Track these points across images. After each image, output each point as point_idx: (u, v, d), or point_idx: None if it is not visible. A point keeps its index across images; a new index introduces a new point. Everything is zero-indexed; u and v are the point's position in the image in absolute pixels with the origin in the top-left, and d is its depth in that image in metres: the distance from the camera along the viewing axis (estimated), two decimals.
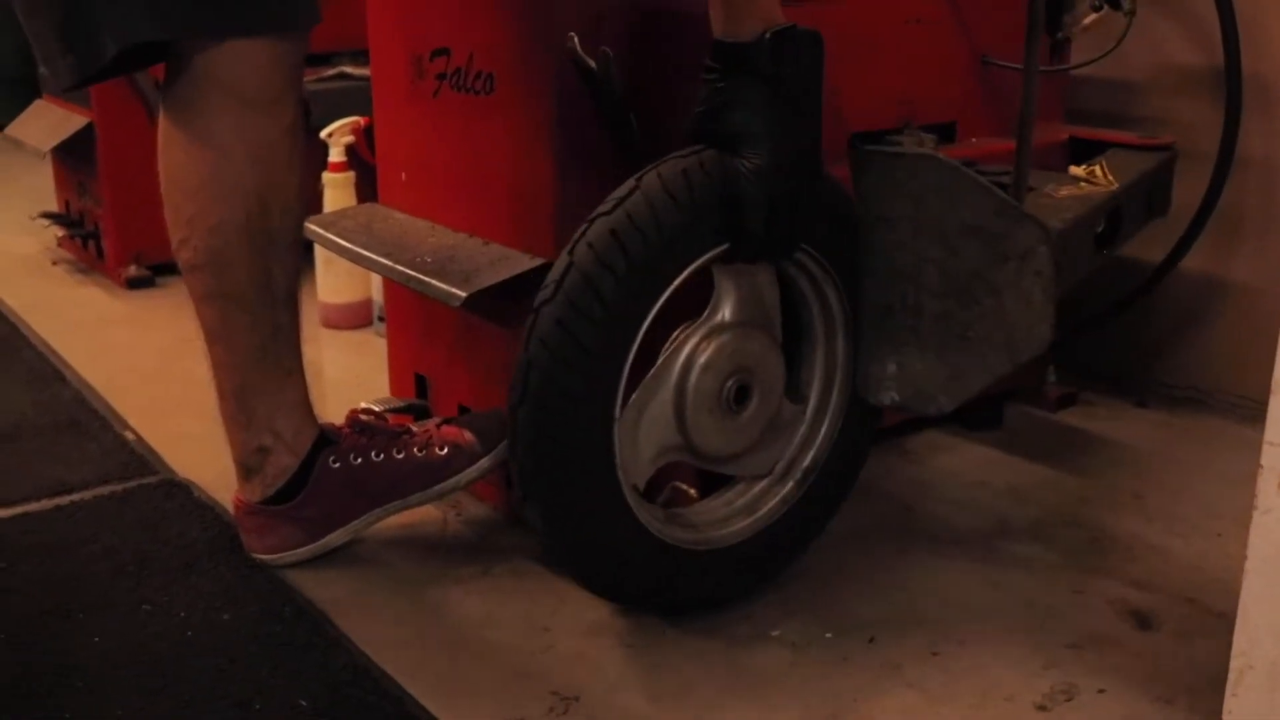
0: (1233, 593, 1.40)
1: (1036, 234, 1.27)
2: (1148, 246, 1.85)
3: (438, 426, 1.53)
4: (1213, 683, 1.25)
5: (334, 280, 2.36)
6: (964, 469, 1.76)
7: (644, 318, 1.23)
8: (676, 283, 1.24)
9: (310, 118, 2.43)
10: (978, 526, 1.59)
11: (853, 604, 1.41)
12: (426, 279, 1.43)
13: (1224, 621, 1.35)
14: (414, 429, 1.53)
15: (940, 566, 1.49)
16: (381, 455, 1.49)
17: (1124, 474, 1.75)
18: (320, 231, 1.63)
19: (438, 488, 1.50)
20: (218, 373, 1.45)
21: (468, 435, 1.50)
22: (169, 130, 1.37)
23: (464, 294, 1.37)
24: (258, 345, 1.42)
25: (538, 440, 1.22)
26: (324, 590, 1.44)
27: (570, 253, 1.22)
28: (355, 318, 2.38)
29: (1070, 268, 1.45)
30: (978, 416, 1.87)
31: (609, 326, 1.21)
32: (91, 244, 2.73)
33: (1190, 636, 1.35)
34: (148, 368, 2.18)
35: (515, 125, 1.46)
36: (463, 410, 1.65)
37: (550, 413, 1.21)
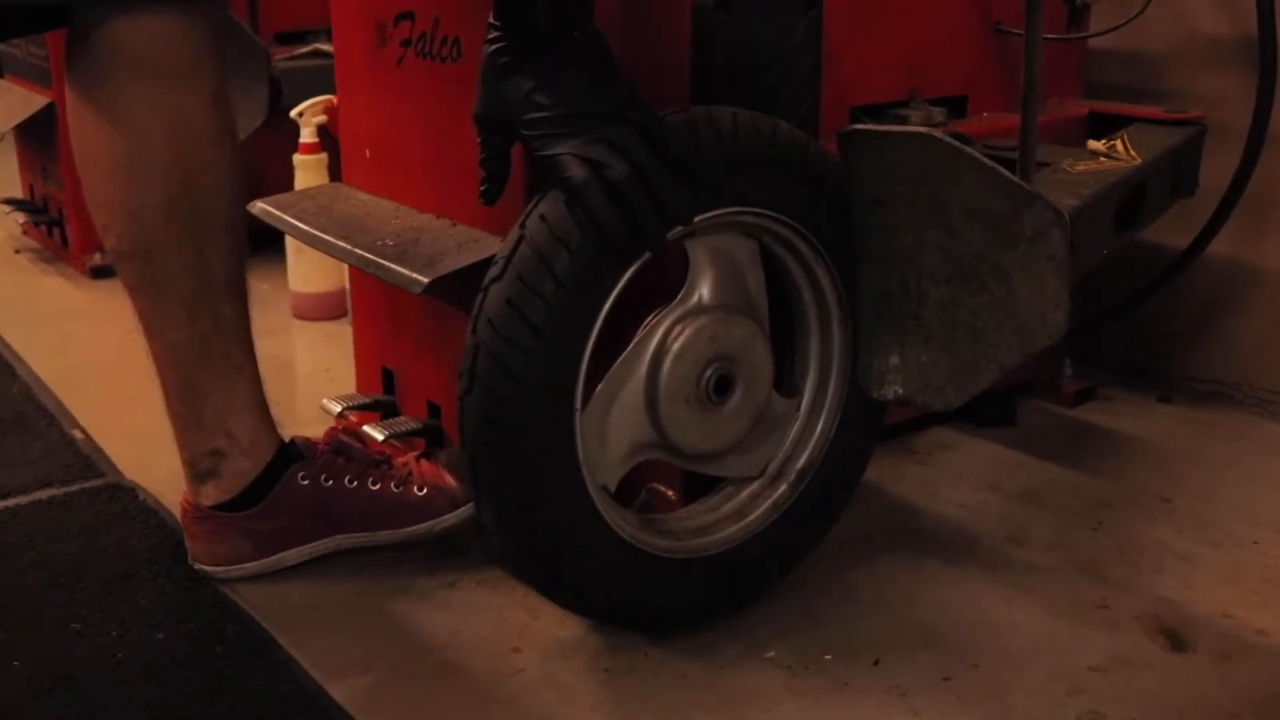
0: (1274, 607, 1.32)
1: (1048, 216, 1.17)
2: (1173, 230, 1.79)
3: (417, 460, 1.45)
4: (1256, 709, 1.19)
5: (305, 269, 2.25)
6: (975, 470, 1.69)
7: (604, 298, 1.14)
8: (640, 260, 1.14)
9: (282, 98, 2.36)
10: (991, 534, 1.52)
11: (855, 622, 1.33)
12: (386, 264, 1.34)
13: (1265, 639, 1.29)
14: (395, 460, 1.45)
15: (951, 579, 1.42)
16: (355, 482, 1.41)
17: (1148, 475, 1.67)
18: (277, 214, 1.55)
19: (408, 530, 1.41)
20: (160, 370, 1.35)
21: (449, 479, 1.42)
22: (76, 106, 1.25)
23: (426, 280, 1.27)
24: (199, 340, 1.32)
25: (487, 432, 1.13)
26: (272, 604, 1.34)
27: (522, 226, 1.13)
28: (328, 308, 2.28)
29: (1086, 250, 1.38)
30: (989, 412, 1.80)
31: (564, 306, 1.11)
32: (56, 231, 2.65)
33: (1229, 657, 1.27)
34: (105, 362, 2.10)
35: None
36: (431, 409, 1.55)
37: (500, 401, 1.12)
